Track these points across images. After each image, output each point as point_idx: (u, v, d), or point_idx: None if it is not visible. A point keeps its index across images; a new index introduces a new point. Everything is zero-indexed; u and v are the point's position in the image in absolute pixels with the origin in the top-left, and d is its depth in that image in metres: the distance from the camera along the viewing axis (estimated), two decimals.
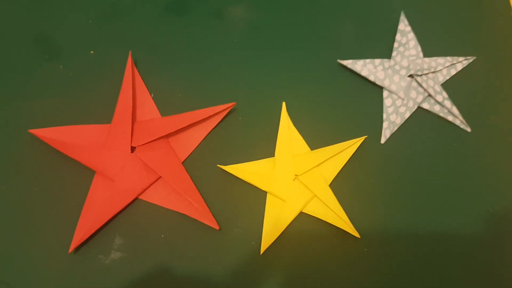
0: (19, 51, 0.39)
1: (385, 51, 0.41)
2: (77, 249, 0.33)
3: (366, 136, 0.37)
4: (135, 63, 0.39)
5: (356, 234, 0.33)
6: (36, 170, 0.35)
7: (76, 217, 0.33)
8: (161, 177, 0.34)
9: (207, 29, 0.41)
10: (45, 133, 0.35)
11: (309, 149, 0.36)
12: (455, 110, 0.39)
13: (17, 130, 0.36)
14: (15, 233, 0.33)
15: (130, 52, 0.37)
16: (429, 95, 0.39)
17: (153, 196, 0.35)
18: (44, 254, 0.33)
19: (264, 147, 0.36)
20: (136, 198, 0.35)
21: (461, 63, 0.41)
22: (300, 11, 0.42)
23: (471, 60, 0.42)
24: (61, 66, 0.38)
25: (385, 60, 0.40)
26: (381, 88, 0.39)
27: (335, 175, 0.36)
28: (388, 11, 0.43)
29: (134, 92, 0.37)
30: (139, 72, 0.38)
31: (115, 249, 0.33)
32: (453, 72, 0.41)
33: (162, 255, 0.33)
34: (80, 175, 0.35)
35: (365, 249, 0.34)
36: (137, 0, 0.41)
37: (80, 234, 0.32)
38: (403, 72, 0.39)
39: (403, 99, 0.39)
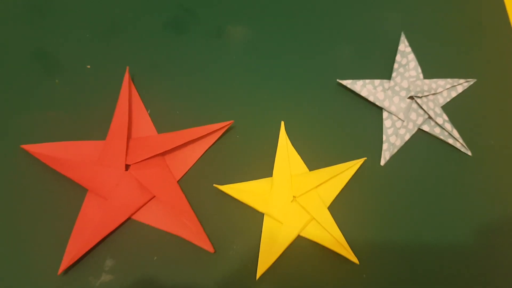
0: (15, 64, 0.39)
1: (385, 72, 0.40)
2: (67, 270, 0.32)
3: (365, 158, 0.36)
4: (132, 78, 0.38)
5: (355, 260, 0.33)
6: (27, 186, 0.34)
7: (66, 236, 0.32)
8: (155, 196, 0.34)
9: (206, 46, 0.41)
10: (38, 149, 0.34)
11: (307, 170, 0.36)
12: (455, 133, 0.38)
13: (9, 145, 0.35)
14: (2, 252, 0.32)
15: (127, 67, 0.37)
16: (429, 117, 0.38)
17: (147, 216, 0.34)
18: (32, 275, 0.32)
19: (262, 166, 0.36)
20: (129, 218, 0.34)
21: (461, 85, 0.41)
22: (299, 31, 0.42)
23: (472, 82, 0.41)
24: (57, 81, 0.38)
25: (385, 81, 0.40)
26: (381, 109, 0.39)
27: (334, 197, 0.35)
28: (388, 31, 0.43)
29: (130, 108, 0.36)
30: (136, 88, 0.38)
31: (105, 271, 0.32)
32: (454, 94, 0.41)
33: (154, 278, 0.33)
34: (72, 193, 0.34)
35: (364, 276, 0.34)
36: (136, 16, 0.41)
37: (71, 255, 0.31)
38: (403, 93, 0.39)
39: (403, 121, 0.38)
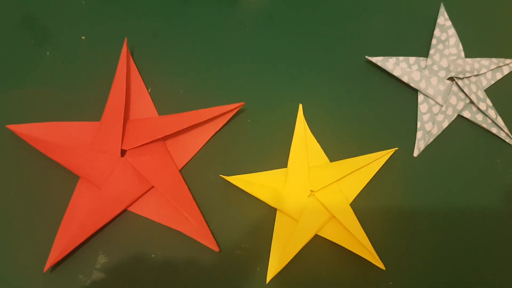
0: (1, 34, 0.37)
1: (421, 48, 0.38)
2: (54, 267, 0.31)
3: (396, 148, 0.34)
4: (131, 52, 0.37)
5: (381, 266, 0.31)
6: (11, 172, 0.33)
7: (54, 229, 0.31)
8: (154, 186, 0.32)
9: (216, 16, 0.39)
10: (24, 130, 0.33)
11: (328, 161, 0.34)
12: (500, 121, 0.36)
13: None
14: None
15: (125, 39, 0.35)
16: (471, 102, 0.36)
17: (144, 209, 0.33)
18: (14, 272, 0.31)
19: (275, 155, 0.34)
20: (124, 210, 0.32)
21: (508, 65, 0.39)
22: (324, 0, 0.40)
23: None
24: (48, 53, 0.37)
25: (421, 58, 0.37)
26: (416, 91, 0.37)
27: (358, 193, 0.34)
28: (426, 2, 0.40)
29: (128, 86, 0.35)
30: (135, 63, 0.36)
31: (97, 269, 0.31)
32: (499, 76, 0.38)
33: (151, 278, 0.31)
34: (62, 180, 0.33)
35: (390, 283, 0.32)
36: None
37: (58, 250, 0.30)
38: (442, 73, 0.36)
39: (441, 106, 0.36)
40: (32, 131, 0.32)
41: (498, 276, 0.32)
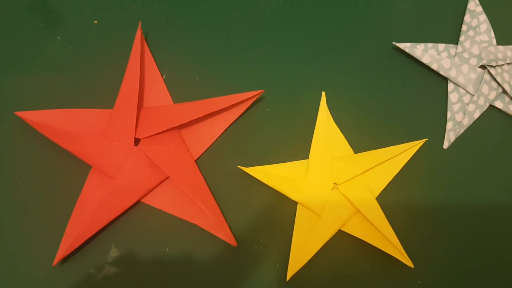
0: (11, 17, 0.37)
1: (450, 34, 0.37)
2: (64, 261, 0.30)
3: (425, 140, 0.34)
4: (146, 37, 0.36)
5: (409, 263, 0.30)
6: (21, 161, 0.33)
7: (65, 220, 0.30)
8: (168, 177, 0.32)
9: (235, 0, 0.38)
10: (34, 117, 0.32)
11: (352, 152, 0.34)
12: None
13: (1, 111, 0.34)
14: None
15: (139, 23, 0.34)
16: (504, 91, 0.35)
17: (158, 200, 0.32)
18: (23, 266, 0.30)
19: (296, 146, 0.34)
20: (138, 202, 0.32)
21: None
22: None
23: None
24: (59, 37, 0.36)
25: (451, 45, 0.36)
26: (445, 80, 0.36)
27: (384, 186, 0.33)
28: None
29: (143, 72, 0.34)
30: (149, 49, 0.36)
31: (109, 263, 0.31)
32: None
33: (165, 273, 0.31)
34: (73, 170, 0.32)
35: (419, 282, 0.31)
36: None
37: (68, 243, 0.30)
38: (473, 61, 0.35)
39: (472, 95, 0.35)
40: (42, 119, 0.32)
41: None
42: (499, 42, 0.37)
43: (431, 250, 0.32)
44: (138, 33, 0.33)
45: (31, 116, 0.32)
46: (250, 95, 0.33)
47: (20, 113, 0.32)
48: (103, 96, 0.34)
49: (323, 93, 0.34)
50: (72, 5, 0.37)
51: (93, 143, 0.31)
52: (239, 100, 0.33)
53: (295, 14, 0.38)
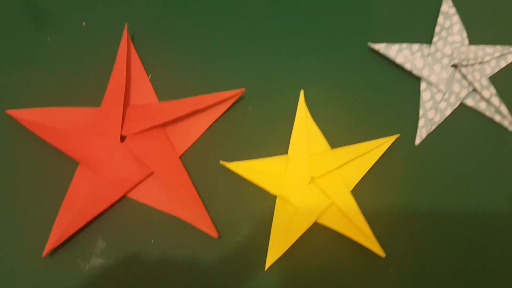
0: (2, 18, 0.37)
1: (424, 35, 0.37)
2: (53, 252, 0.31)
3: (398, 135, 0.34)
4: (132, 38, 0.36)
5: (381, 253, 0.30)
6: (11, 157, 0.33)
7: (54, 214, 0.31)
8: (153, 172, 0.32)
9: (217, 2, 0.38)
10: (24, 115, 0.33)
11: (329, 148, 0.34)
12: (503, 109, 0.35)
13: None
14: None
15: (126, 24, 0.34)
16: (475, 89, 0.35)
17: (144, 195, 0.32)
18: (13, 256, 0.31)
19: (276, 142, 0.34)
20: (123, 196, 0.32)
21: None
22: None
23: None
24: (49, 38, 0.36)
25: (425, 45, 0.37)
26: (418, 78, 0.36)
27: (359, 180, 0.33)
28: None
29: (129, 72, 0.34)
30: (136, 49, 0.36)
31: (96, 254, 0.31)
32: (503, 64, 0.37)
33: (150, 264, 0.31)
34: (61, 166, 0.33)
35: (391, 270, 0.32)
36: None
37: (57, 234, 0.30)
38: (446, 61, 0.36)
39: (444, 93, 0.35)
40: (31, 116, 0.32)
41: (498, 264, 0.32)
42: (471, 42, 0.37)
43: (401, 240, 0.32)
44: (125, 34, 0.34)
45: (21, 114, 0.32)
46: (232, 93, 0.33)
47: (10, 111, 0.32)
48: (91, 94, 0.34)
49: (302, 91, 0.34)
50: (61, 7, 0.37)
51: (81, 139, 0.32)
52: (222, 99, 0.33)
53: (276, 16, 0.38)
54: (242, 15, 0.38)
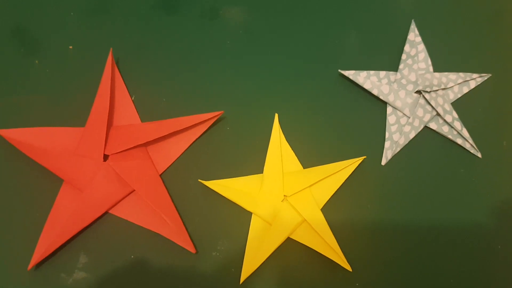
0: None
1: (391, 63, 0.38)
2: (37, 266, 0.31)
3: (365, 157, 0.35)
4: (117, 62, 0.37)
5: (348, 267, 0.31)
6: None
7: (39, 229, 0.31)
8: (134, 190, 0.32)
9: (198, 29, 0.39)
10: (13, 134, 0.33)
11: (301, 167, 0.35)
12: (465, 132, 0.36)
13: None
14: None
15: (111, 49, 0.35)
16: (438, 114, 0.36)
17: (125, 211, 0.33)
18: (0, 269, 0.31)
19: (252, 162, 0.34)
20: (106, 212, 0.33)
21: (475, 80, 0.39)
22: (299, 16, 0.40)
23: (486, 78, 0.39)
24: (37, 61, 0.37)
25: (391, 72, 0.38)
26: (385, 103, 0.37)
27: (328, 198, 0.34)
28: (397, 19, 0.40)
29: (113, 94, 0.35)
30: (120, 72, 0.36)
31: (79, 268, 0.32)
32: (466, 90, 0.39)
33: (130, 278, 0.32)
34: (47, 183, 0.33)
35: (357, 284, 0.32)
36: None
37: (42, 249, 0.30)
38: (410, 87, 0.37)
39: (408, 117, 0.36)
40: (19, 136, 0.33)
41: (460, 277, 0.33)
42: (435, 69, 0.38)
43: (367, 256, 0.33)
44: (110, 58, 0.34)
45: (10, 134, 0.33)
46: (211, 115, 0.34)
47: (0, 131, 0.33)
48: (77, 115, 0.34)
49: (276, 115, 0.35)
50: (49, 32, 0.37)
51: (66, 158, 0.32)
52: (201, 120, 0.33)
53: (253, 43, 0.38)
54: (222, 42, 0.38)
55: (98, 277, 0.31)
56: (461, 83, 0.38)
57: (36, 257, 0.30)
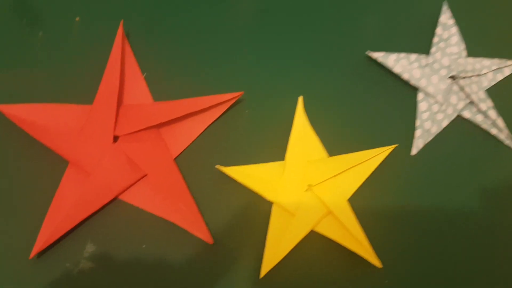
0: None
1: (422, 45, 0.37)
2: (40, 254, 0.30)
3: (396, 145, 0.33)
4: (127, 35, 0.36)
5: (378, 264, 0.30)
6: None
7: (42, 215, 0.30)
8: (146, 174, 0.31)
9: (216, 2, 0.37)
10: (13, 110, 0.32)
11: (326, 155, 0.34)
12: (500, 122, 0.35)
13: None
14: None
15: (121, 21, 0.34)
16: (472, 102, 0.35)
17: (136, 197, 0.32)
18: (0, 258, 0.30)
19: (273, 148, 0.33)
20: (115, 198, 0.32)
21: (509, 67, 0.38)
22: None
23: None
24: (41, 33, 0.36)
25: (423, 56, 0.36)
26: (415, 89, 0.36)
27: (356, 189, 0.33)
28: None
29: (123, 70, 0.34)
30: (131, 47, 0.35)
31: (85, 257, 0.31)
32: (500, 77, 0.37)
33: (141, 269, 0.31)
34: (50, 165, 0.32)
35: (387, 281, 0.32)
36: None
37: (44, 237, 0.29)
38: (443, 72, 0.35)
39: (441, 104, 0.35)
40: (21, 112, 0.31)
41: (496, 273, 0.32)
42: (469, 54, 0.37)
43: (398, 251, 0.32)
44: (120, 31, 0.33)
45: (10, 110, 0.31)
46: (230, 96, 0.32)
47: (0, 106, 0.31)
48: (83, 91, 0.33)
49: (300, 98, 0.34)
50: (54, 1, 0.36)
51: (71, 138, 0.31)
52: (219, 101, 0.32)
53: (276, 19, 0.37)
54: (242, 18, 0.37)
55: (106, 267, 0.30)
56: (496, 69, 0.37)
57: (38, 245, 0.29)
